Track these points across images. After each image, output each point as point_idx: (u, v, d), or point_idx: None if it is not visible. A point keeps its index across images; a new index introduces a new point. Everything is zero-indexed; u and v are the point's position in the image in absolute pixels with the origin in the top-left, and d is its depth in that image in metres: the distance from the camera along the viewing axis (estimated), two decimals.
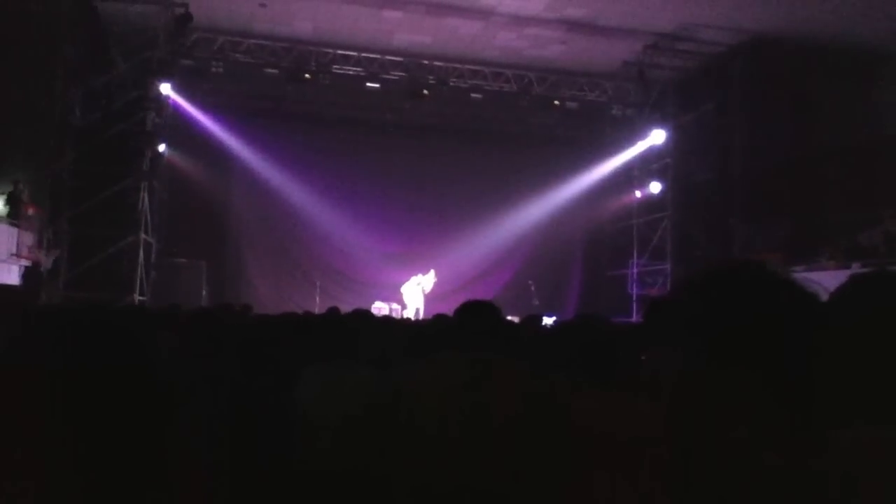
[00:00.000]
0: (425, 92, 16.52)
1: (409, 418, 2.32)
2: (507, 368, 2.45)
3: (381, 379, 2.75)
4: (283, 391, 2.68)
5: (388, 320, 7.56)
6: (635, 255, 17.73)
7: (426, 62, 16.53)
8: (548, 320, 12.46)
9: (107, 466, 1.55)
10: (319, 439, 2.59)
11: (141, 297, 14.15)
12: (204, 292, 15.46)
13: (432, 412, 2.29)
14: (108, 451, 1.56)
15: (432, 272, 17.14)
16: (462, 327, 2.71)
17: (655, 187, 17.30)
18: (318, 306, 15.01)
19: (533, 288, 16.74)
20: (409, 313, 16.40)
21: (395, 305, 16.66)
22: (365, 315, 3.86)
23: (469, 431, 2.22)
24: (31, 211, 12.85)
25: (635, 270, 17.66)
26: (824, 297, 1.40)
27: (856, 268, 11.82)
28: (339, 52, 16.21)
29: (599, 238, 19.46)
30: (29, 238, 12.63)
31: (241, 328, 3.40)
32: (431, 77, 16.61)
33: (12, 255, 11.96)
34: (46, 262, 13.11)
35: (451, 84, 16.75)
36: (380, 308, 16.11)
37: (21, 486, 1.47)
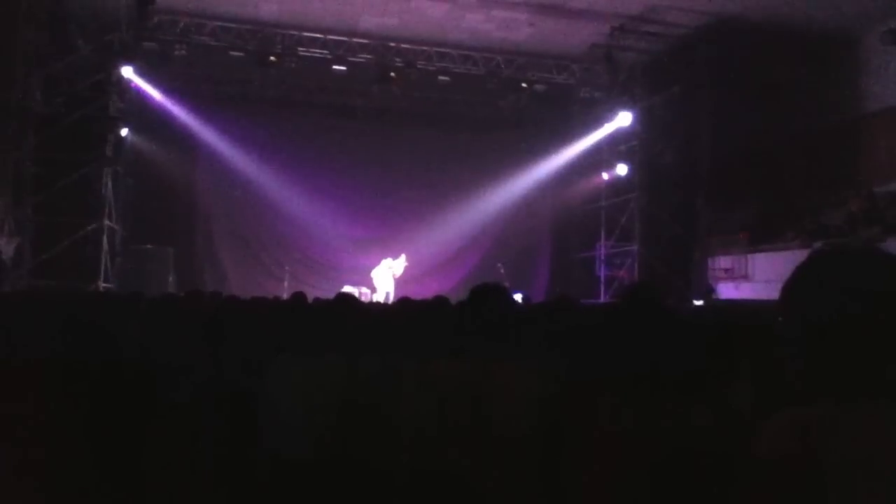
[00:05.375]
0: (392, 75, 16.41)
1: (406, 414, 2.31)
2: (505, 368, 2.43)
3: (378, 372, 2.73)
4: (263, 380, 2.66)
5: (363, 305, 7.50)
6: (603, 236, 17.84)
7: (393, 45, 16.41)
8: (515, 297, 12.55)
9: (80, 456, 1.53)
10: (325, 431, 2.56)
11: (106, 285, 13.97)
12: (171, 279, 15.30)
13: (430, 410, 2.28)
14: (82, 441, 1.54)
15: (403, 256, 17.11)
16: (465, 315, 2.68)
17: (622, 169, 17.39)
18: (286, 291, 14.93)
19: (502, 270, 16.79)
20: (379, 297, 16.37)
21: (364, 289, 16.61)
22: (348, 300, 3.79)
23: (466, 431, 2.21)
24: None
25: (602, 252, 17.78)
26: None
27: (818, 247, 12.02)
28: (306, 34, 16.03)
29: (568, 220, 19.53)
30: None
31: (212, 316, 3.37)
32: (399, 60, 16.50)
33: None
34: (8, 249, 12.87)
35: (419, 67, 16.64)
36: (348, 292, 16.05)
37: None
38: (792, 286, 1.40)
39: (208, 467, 2.00)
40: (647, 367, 2.39)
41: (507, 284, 15.93)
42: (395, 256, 17.14)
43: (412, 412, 2.33)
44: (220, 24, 15.62)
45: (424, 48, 16.61)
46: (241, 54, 15.85)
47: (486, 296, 2.74)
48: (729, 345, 2.21)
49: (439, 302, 3.72)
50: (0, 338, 2.08)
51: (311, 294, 4.69)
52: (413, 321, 3.37)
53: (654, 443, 1.60)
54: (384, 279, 16.94)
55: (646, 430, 1.83)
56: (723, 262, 15.70)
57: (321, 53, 16.30)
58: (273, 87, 17.06)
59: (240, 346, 2.82)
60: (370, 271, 17.15)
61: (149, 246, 15.56)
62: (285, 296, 13.01)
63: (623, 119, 17.02)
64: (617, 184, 17.73)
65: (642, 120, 17.03)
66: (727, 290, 15.28)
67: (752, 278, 14.74)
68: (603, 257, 17.78)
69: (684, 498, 1.38)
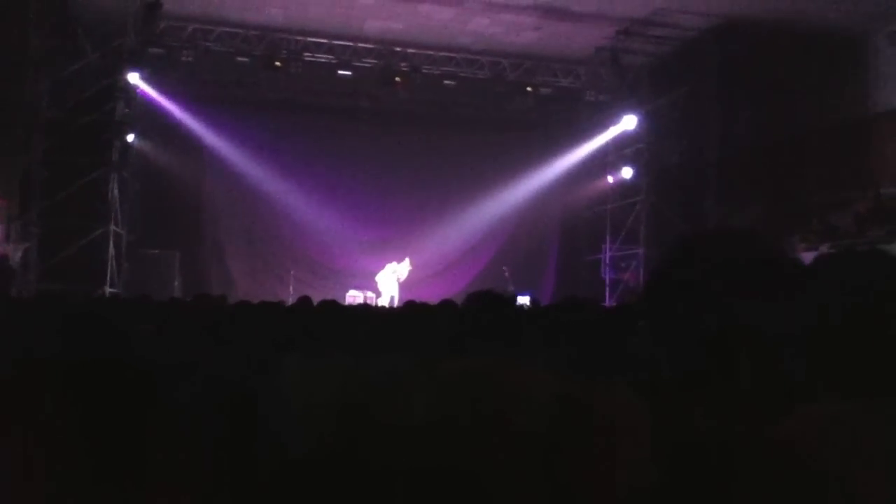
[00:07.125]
0: (398, 79, 16.44)
1: (407, 414, 2.31)
2: (507, 367, 2.42)
3: (379, 372, 2.73)
4: (265, 380, 2.67)
5: (367, 309, 7.53)
6: (608, 240, 17.80)
7: (399, 49, 16.45)
8: (523, 300, 12.52)
9: (88, 458, 1.54)
10: (309, 430, 2.57)
11: (112, 290, 14.01)
12: (177, 283, 15.34)
13: (431, 410, 2.28)
14: (82, 442, 1.54)
15: (407, 260, 17.12)
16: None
17: (627, 172, 17.36)
18: (291, 295, 14.96)
19: (507, 274, 16.78)
20: (384, 301, 16.38)
21: (369, 294, 16.62)
22: (338, 306, 3.81)
23: (468, 431, 2.21)
24: None
25: (608, 255, 17.74)
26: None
27: (824, 249, 11.98)
28: (311, 39, 16.08)
29: (574, 223, 19.51)
30: None
31: (220, 318, 3.39)
32: (404, 64, 16.54)
33: None
34: (15, 255, 12.93)
35: (425, 71, 16.68)
36: (354, 296, 16.09)
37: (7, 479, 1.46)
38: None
39: (209, 467, 2.00)
40: (647, 368, 2.39)
41: (511, 289, 15.97)
42: (400, 261, 17.15)
43: (414, 412, 2.33)
44: (226, 29, 15.70)
45: (430, 52, 16.64)
46: (247, 59, 15.92)
47: (485, 303, 2.71)
48: (729, 345, 2.20)
49: (444, 305, 3.72)
50: (3, 341, 2.09)
51: (317, 298, 4.70)
52: (416, 323, 3.36)
53: (657, 444, 1.60)
54: (389, 283, 16.96)
55: (648, 431, 1.83)
56: None
57: (327, 58, 16.35)
58: (279, 92, 17.10)
59: (242, 348, 2.83)
60: (375, 275, 17.16)
61: (155, 251, 15.61)
62: (291, 300, 13.04)
63: (628, 122, 17.00)
64: (623, 186, 17.70)
65: (648, 122, 17.01)
66: None
67: None
68: (608, 260, 17.74)
69: (687, 498, 1.37)
